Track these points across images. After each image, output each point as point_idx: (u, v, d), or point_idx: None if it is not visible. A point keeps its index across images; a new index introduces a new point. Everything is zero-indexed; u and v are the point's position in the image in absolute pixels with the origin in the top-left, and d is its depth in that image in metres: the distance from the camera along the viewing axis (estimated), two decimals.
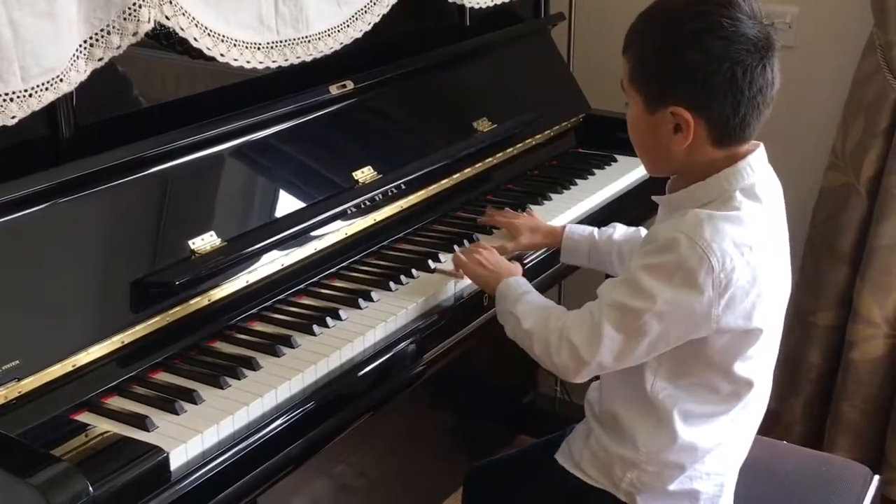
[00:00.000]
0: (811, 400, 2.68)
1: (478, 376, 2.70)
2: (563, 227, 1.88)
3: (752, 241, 1.40)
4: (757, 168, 1.46)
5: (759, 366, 1.50)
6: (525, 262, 1.88)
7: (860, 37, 2.49)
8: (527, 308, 1.58)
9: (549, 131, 2.36)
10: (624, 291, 1.44)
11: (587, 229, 1.86)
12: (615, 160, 2.35)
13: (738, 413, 1.53)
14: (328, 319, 1.62)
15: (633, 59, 1.47)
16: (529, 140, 2.28)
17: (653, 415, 1.52)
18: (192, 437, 1.34)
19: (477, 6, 2.23)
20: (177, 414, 1.39)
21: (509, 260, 1.79)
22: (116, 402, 1.43)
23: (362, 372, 1.56)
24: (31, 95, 1.38)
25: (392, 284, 1.74)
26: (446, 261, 1.81)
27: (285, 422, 1.43)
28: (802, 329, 2.66)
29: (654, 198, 1.59)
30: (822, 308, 2.60)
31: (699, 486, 1.56)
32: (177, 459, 1.31)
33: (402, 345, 1.63)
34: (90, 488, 1.17)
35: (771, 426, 2.76)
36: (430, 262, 1.82)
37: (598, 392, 1.64)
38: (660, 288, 1.39)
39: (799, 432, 2.71)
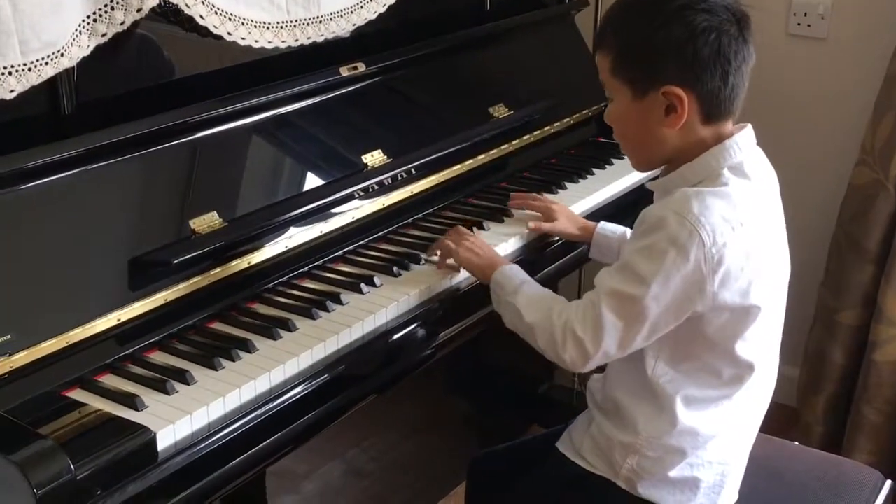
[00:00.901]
0: (832, 400, 2.63)
1: (493, 364, 2.68)
2: (597, 223, 1.87)
3: (742, 217, 1.39)
4: (744, 147, 1.46)
5: (760, 348, 1.49)
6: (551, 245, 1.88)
7: (894, 32, 2.42)
8: (527, 300, 1.55)
9: (568, 119, 2.32)
10: (620, 278, 1.43)
11: (619, 228, 1.85)
12: None
13: (740, 399, 1.52)
14: (329, 304, 1.60)
15: (614, 50, 1.46)
16: (548, 128, 2.25)
17: (654, 400, 1.51)
18: (181, 417, 1.33)
19: None
20: (168, 394, 1.37)
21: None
22: (109, 381, 1.42)
23: (360, 357, 1.54)
24: (30, 70, 1.38)
25: (396, 270, 1.72)
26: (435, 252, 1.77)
27: (277, 406, 1.42)
28: (825, 327, 2.61)
29: (647, 185, 1.58)
30: (846, 307, 2.55)
31: (700, 473, 1.54)
32: (164, 440, 1.30)
33: (405, 331, 1.61)
34: (72, 466, 1.17)
35: (790, 425, 2.73)
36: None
37: (600, 381, 1.63)
38: (654, 270, 1.38)
39: (819, 433, 2.66)
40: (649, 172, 2.17)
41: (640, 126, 1.48)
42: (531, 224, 1.90)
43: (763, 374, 1.53)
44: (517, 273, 1.63)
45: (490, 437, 2.71)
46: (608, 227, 1.85)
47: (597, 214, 2.02)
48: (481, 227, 1.90)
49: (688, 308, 1.41)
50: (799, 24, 2.64)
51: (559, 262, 1.91)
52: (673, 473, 1.53)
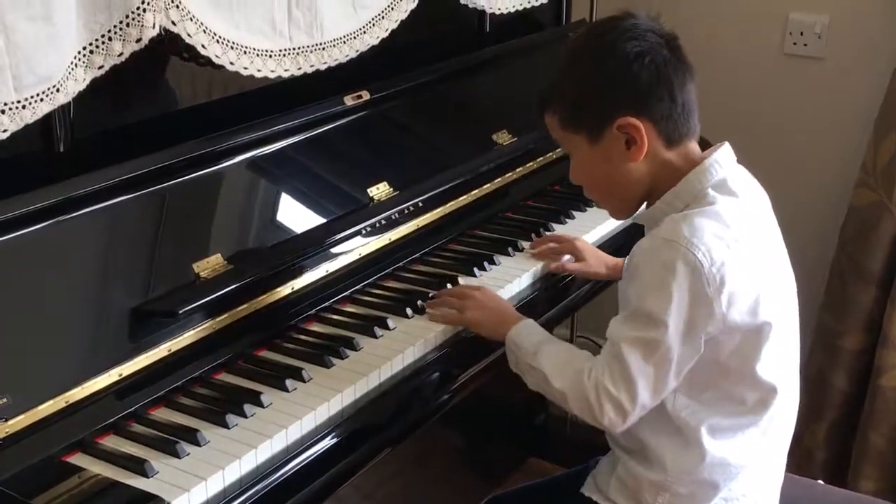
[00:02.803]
0: (835, 426, 2.58)
1: (489, 397, 2.60)
2: (623, 259, 1.80)
3: (736, 234, 1.37)
4: (725, 164, 1.45)
5: (780, 368, 1.46)
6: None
7: (894, 48, 2.39)
8: (551, 364, 1.47)
9: None
10: (634, 325, 1.39)
11: None
12: None
13: (767, 425, 1.48)
14: (343, 350, 1.51)
15: (559, 105, 1.48)
16: (550, 154, 2.17)
17: (679, 434, 1.46)
18: (196, 484, 1.23)
19: (498, 11, 2.14)
20: (179, 457, 1.28)
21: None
22: (112, 443, 1.32)
23: (380, 406, 1.46)
24: (24, 107, 1.27)
25: (409, 311, 1.64)
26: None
27: (298, 464, 1.32)
28: (826, 352, 2.56)
29: (634, 218, 1.56)
30: (849, 331, 2.50)
31: None
32: None
33: (423, 377, 1.53)
34: None
35: (792, 451, 2.67)
36: (448, 285, 1.72)
37: None
38: (663, 305, 1.35)
39: (821, 459, 2.61)
40: None
41: (606, 169, 1.47)
42: (553, 265, 1.84)
43: (786, 398, 1.50)
44: (533, 330, 1.55)
45: (489, 471, 2.64)
46: None
47: (607, 244, 1.97)
48: (492, 262, 1.82)
49: (701, 334, 1.37)
50: (795, 44, 2.59)
51: (576, 293, 1.85)
52: None
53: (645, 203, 1.51)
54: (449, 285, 1.72)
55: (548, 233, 1.95)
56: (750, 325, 1.39)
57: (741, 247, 1.36)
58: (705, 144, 2.05)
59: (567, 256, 1.85)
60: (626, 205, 1.53)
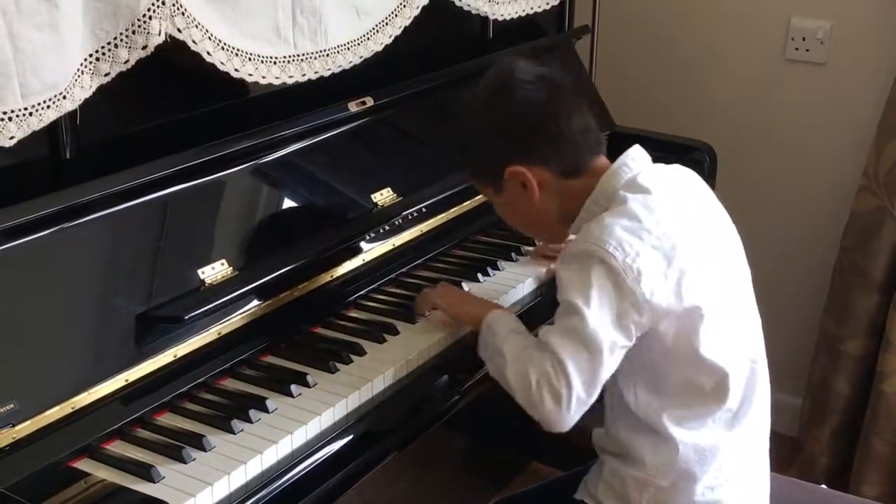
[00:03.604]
0: (837, 431, 2.58)
1: (492, 401, 2.59)
2: None
3: (647, 225, 1.40)
4: (635, 166, 1.49)
5: (729, 352, 1.47)
6: None
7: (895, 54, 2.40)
8: (512, 351, 1.47)
9: None
10: (560, 318, 1.42)
11: None
12: None
13: (735, 410, 1.50)
14: (347, 355, 1.52)
15: (463, 164, 1.61)
16: None
17: (650, 430, 1.49)
18: (202, 489, 1.23)
19: (500, 18, 2.14)
20: (185, 462, 1.28)
21: None
22: (118, 448, 1.32)
23: (385, 412, 1.46)
24: (31, 114, 1.28)
25: (413, 316, 1.64)
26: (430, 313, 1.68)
27: (303, 469, 1.33)
28: (829, 356, 2.57)
29: (570, 232, 1.58)
30: (851, 336, 2.50)
31: (723, 495, 1.50)
32: None
33: (429, 382, 1.54)
34: None
35: (794, 456, 2.68)
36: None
37: (602, 431, 1.61)
38: (584, 295, 1.38)
39: (824, 464, 2.61)
40: None
41: (519, 210, 1.56)
42: (552, 266, 1.83)
43: (749, 383, 1.51)
44: (510, 319, 1.55)
45: (490, 475, 2.64)
46: None
47: None
48: (496, 268, 1.83)
49: (629, 323, 1.38)
50: (797, 49, 2.60)
51: None
52: (695, 499, 1.50)
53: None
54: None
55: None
56: (680, 309, 1.40)
57: (653, 236, 1.39)
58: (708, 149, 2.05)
59: None
60: (551, 232, 1.64)
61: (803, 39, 2.58)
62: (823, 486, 1.87)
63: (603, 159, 1.52)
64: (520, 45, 2.26)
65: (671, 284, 1.39)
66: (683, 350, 1.44)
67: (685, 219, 1.47)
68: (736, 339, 1.50)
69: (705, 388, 1.47)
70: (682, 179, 1.55)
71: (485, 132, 1.53)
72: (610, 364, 1.40)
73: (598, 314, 1.37)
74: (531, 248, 1.90)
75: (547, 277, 1.84)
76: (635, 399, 1.48)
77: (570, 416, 1.41)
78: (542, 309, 1.78)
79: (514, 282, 1.79)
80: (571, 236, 1.94)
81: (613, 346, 1.39)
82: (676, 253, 1.40)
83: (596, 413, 1.47)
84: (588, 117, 1.52)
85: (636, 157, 1.50)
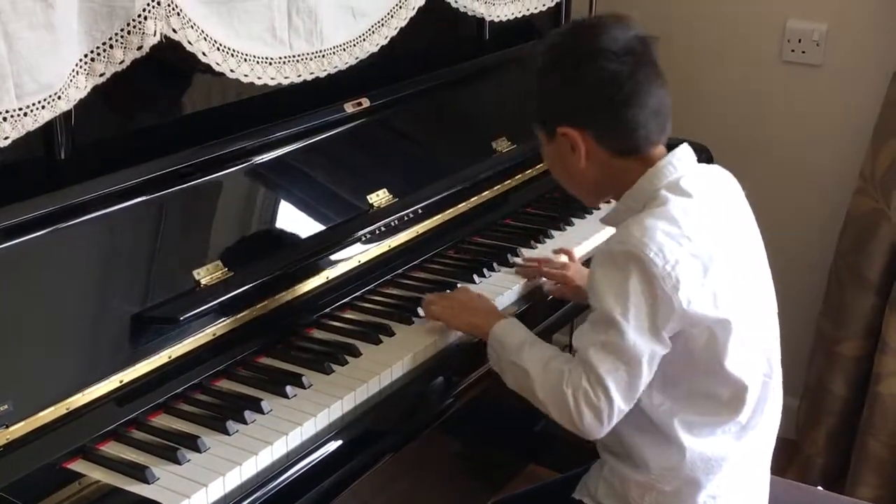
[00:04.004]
0: (834, 432, 2.58)
1: (488, 403, 2.59)
2: None
3: (687, 231, 1.38)
4: (681, 165, 1.46)
5: (750, 365, 1.46)
6: None
7: (892, 56, 2.40)
8: (534, 360, 1.47)
9: None
10: (597, 330, 1.40)
11: None
12: None
13: (746, 423, 1.49)
14: (342, 356, 1.51)
15: (535, 99, 1.55)
16: None
17: (658, 432, 1.48)
18: (196, 490, 1.23)
19: (497, 19, 2.14)
20: (179, 463, 1.28)
21: None
22: (113, 449, 1.32)
23: (381, 413, 1.46)
24: (26, 114, 1.28)
25: (411, 317, 1.64)
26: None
27: (298, 470, 1.33)
28: (826, 358, 2.57)
29: (600, 220, 1.59)
30: (847, 338, 2.51)
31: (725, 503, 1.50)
32: None
33: (424, 383, 1.54)
34: None
35: (791, 458, 2.68)
36: (447, 292, 1.72)
37: None
38: (622, 307, 1.36)
39: (821, 465, 2.61)
40: None
41: (560, 164, 1.52)
42: (547, 287, 1.83)
43: (763, 396, 1.50)
44: (517, 328, 1.54)
45: (488, 477, 2.64)
46: None
47: None
48: (492, 269, 1.82)
49: (666, 329, 1.38)
50: (793, 51, 2.60)
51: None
52: None
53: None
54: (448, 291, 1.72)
55: (542, 255, 1.92)
56: (713, 319, 1.39)
57: (693, 244, 1.37)
58: (704, 151, 2.05)
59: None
60: (587, 196, 1.60)
61: (799, 41, 2.59)
62: (820, 487, 1.87)
63: (660, 149, 1.48)
64: (516, 47, 2.26)
65: (707, 294, 1.38)
66: (708, 360, 1.43)
67: (723, 228, 1.46)
68: (758, 353, 1.50)
69: (721, 399, 1.46)
70: (721, 184, 1.53)
71: (552, 84, 1.49)
72: (648, 374, 1.39)
73: (636, 326, 1.36)
74: (527, 251, 1.90)
75: (526, 290, 1.82)
76: (649, 400, 1.46)
77: (611, 426, 1.42)
78: (537, 311, 1.78)
79: (511, 283, 1.79)
80: (595, 238, 1.99)
81: (652, 357, 1.38)
82: (713, 263, 1.39)
83: None
84: (663, 98, 1.46)
85: (682, 158, 1.47)
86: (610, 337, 1.37)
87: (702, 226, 1.41)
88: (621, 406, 1.40)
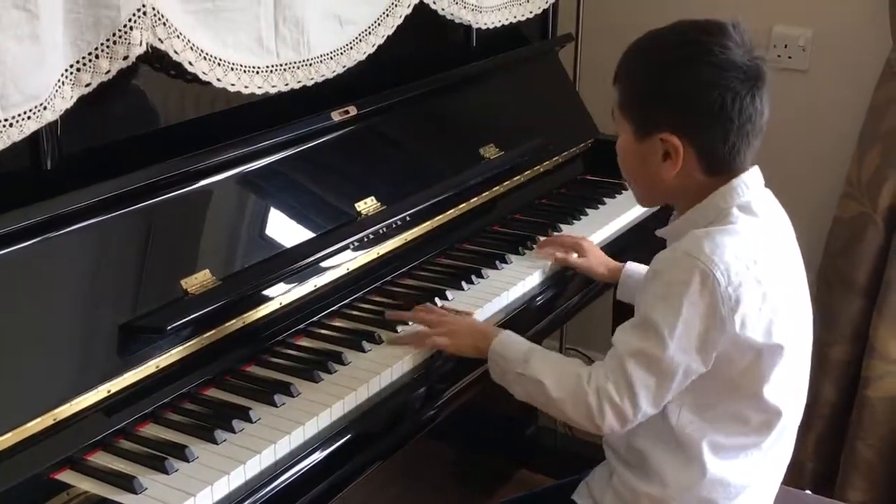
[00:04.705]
0: (824, 437, 2.59)
1: (478, 409, 2.60)
2: (624, 264, 1.85)
3: (755, 254, 1.37)
4: (752, 186, 1.44)
5: (787, 391, 1.46)
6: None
7: (877, 61, 2.41)
8: (542, 368, 1.47)
9: (557, 158, 2.26)
10: (640, 336, 1.39)
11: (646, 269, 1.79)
12: (626, 188, 2.25)
13: (768, 447, 1.49)
14: (331, 364, 1.51)
15: (624, 87, 1.47)
16: (537, 167, 2.19)
17: (680, 450, 1.47)
18: (184, 500, 1.23)
19: (484, 26, 2.14)
20: (167, 473, 1.28)
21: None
22: (101, 459, 1.31)
23: (369, 421, 1.46)
24: (11, 125, 1.27)
25: (397, 325, 1.64)
26: (404, 329, 1.64)
27: (287, 479, 1.32)
28: (814, 363, 2.55)
29: (657, 232, 1.56)
30: (836, 342, 2.51)
31: None
32: None
33: (412, 390, 1.53)
34: None
35: None
36: (436, 299, 1.73)
37: (621, 435, 1.56)
38: (672, 321, 1.35)
39: (810, 469, 2.61)
40: (643, 211, 2.16)
41: (640, 165, 1.47)
42: (559, 254, 1.87)
43: (790, 421, 1.50)
44: (516, 340, 1.54)
45: (478, 483, 2.64)
46: (635, 270, 1.82)
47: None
48: (480, 276, 1.83)
49: (713, 350, 1.37)
50: (779, 57, 2.61)
51: (564, 305, 1.86)
52: None
53: (674, 213, 1.52)
54: (437, 299, 1.72)
55: (556, 233, 2.00)
56: (763, 346, 1.38)
57: (759, 268, 1.36)
58: None
59: (574, 255, 1.88)
60: (649, 198, 1.57)
61: (785, 47, 2.60)
62: (809, 492, 1.88)
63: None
64: (503, 54, 2.27)
65: (762, 320, 1.37)
66: (748, 385, 1.42)
67: (782, 253, 1.46)
68: (797, 383, 1.50)
69: (752, 423, 1.45)
70: (778, 209, 1.52)
71: (668, 87, 1.40)
72: (679, 386, 1.39)
73: (679, 342, 1.34)
74: (515, 258, 1.90)
75: (531, 286, 1.84)
76: (677, 416, 1.45)
77: (632, 426, 1.43)
78: (526, 317, 1.78)
79: (499, 290, 1.78)
80: (600, 233, 2.00)
81: (688, 372, 1.37)
82: (772, 289, 1.38)
83: None
84: (764, 126, 1.44)
85: (754, 178, 1.45)
86: (650, 346, 1.36)
87: (768, 250, 1.41)
88: (647, 411, 1.40)
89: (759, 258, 1.37)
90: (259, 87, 1.62)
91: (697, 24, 1.42)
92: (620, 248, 2.04)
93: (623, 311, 1.80)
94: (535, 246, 1.93)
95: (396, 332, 1.63)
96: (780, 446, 1.51)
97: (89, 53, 1.36)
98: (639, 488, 1.50)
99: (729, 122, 1.38)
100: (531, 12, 2.29)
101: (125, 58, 1.38)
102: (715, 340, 1.35)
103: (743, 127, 1.39)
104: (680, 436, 1.45)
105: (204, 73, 1.51)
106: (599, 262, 1.88)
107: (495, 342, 1.54)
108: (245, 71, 1.59)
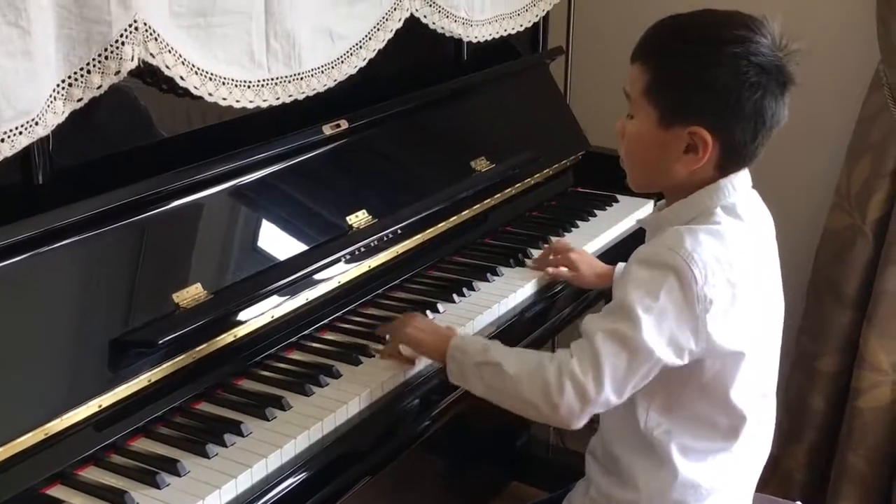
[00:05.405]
0: (814, 447, 2.60)
1: (469, 421, 2.60)
2: (614, 267, 1.84)
3: (732, 257, 1.37)
4: (739, 188, 1.44)
5: (752, 397, 1.46)
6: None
7: (866, 73, 2.42)
8: (504, 353, 1.45)
9: (548, 170, 2.27)
10: (613, 318, 1.37)
11: None
12: (616, 200, 2.27)
13: (740, 452, 1.49)
14: (322, 377, 1.52)
15: (654, 70, 1.40)
16: (528, 180, 2.20)
17: (652, 453, 1.47)
18: None
19: (475, 40, 2.15)
20: (159, 488, 1.28)
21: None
22: (92, 474, 1.31)
23: (360, 434, 1.46)
24: (3, 140, 1.28)
25: (389, 338, 1.63)
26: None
27: (279, 493, 1.32)
28: (805, 374, 2.58)
29: (638, 221, 1.56)
30: (826, 353, 2.53)
31: None
32: None
33: (403, 404, 1.53)
34: None
35: (771, 473, 2.69)
36: (428, 311, 1.73)
37: (597, 440, 1.59)
38: (647, 305, 1.34)
39: (801, 480, 2.62)
40: (633, 223, 2.16)
41: (655, 153, 1.43)
42: (550, 270, 1.87)
43: (759, 427, 1.50)
44: (476, 337, 1.55)
45: (470, 495, 2.63)
46: None
47: None
48: (472, 288, 1.83)
49: (684, 346, 1.36)
50: None
51: (555, 317, 1.87)
52: None
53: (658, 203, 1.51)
54: (429, 312, 1.72)
55: (546, 245, 1.99)
56: (731, 350, 1.39)
57: (734, 272, 1.36)
58: None
59: (563, 269, 1.88)
60: (647, 185, 1.52)
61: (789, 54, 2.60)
62: (799, 503, 1.88)
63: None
64: (494, 67, 2.27)
65: (729, 323, 1.37)
66: (716, 389, 1.42)
67: (759, 258, 1.45)
68: (763, 387, 1.50)
69: (720, 427, 1.45)
70: (764, 213, 1.52)
71: (707, 79, 1.35)
72: (646, 374, 1.37)
73: (653, 326, 1.33)
74: (507, 270, 1.91)
75: (522, 298, 1.85)
76: (645, 418, 1.45)
77: (586, 414, 1.39)
78: (518, 328, 1.79)
79: (490, 302, 1.79)
80: (591, 245, 2.00)
81: (656, 361, 1.35)
82: (742, 293, 1.38)
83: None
84: (772, 134, 1.42)
85: (742, 180, 1.45)
86: (623, 327, 1.35)
87: (746, 255, 1.40)
88: (609, 396, 1.36)
89: (736, 262, 1.37)
90: (250, 102, 1.62)
91: (735, 17, 1.39)
92: (611, 259, 2.03)
93: None
94: (528, 261, 1.94)
95: (388, 343, 1.62)
96: (751, 450, 1.51)
97: (81, 69, 1.36)
98: (614, 494, 1.51)
99: (762, 122, 1.37)
100: (522, 26, 2.30)
101: (117, 73, 1.39)
102: (686, 337, 1.35)
103: (771, 129, 1.40)
104: (650, 438, 1.46)
105: (195, 87, 1.52)
106: (590, 272, 1.88)
107: (455, 339, 1.51)
108: (236, 85, 1.59)
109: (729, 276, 1.36)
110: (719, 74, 1.35)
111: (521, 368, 1.41)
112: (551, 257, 1.91)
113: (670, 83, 1.39)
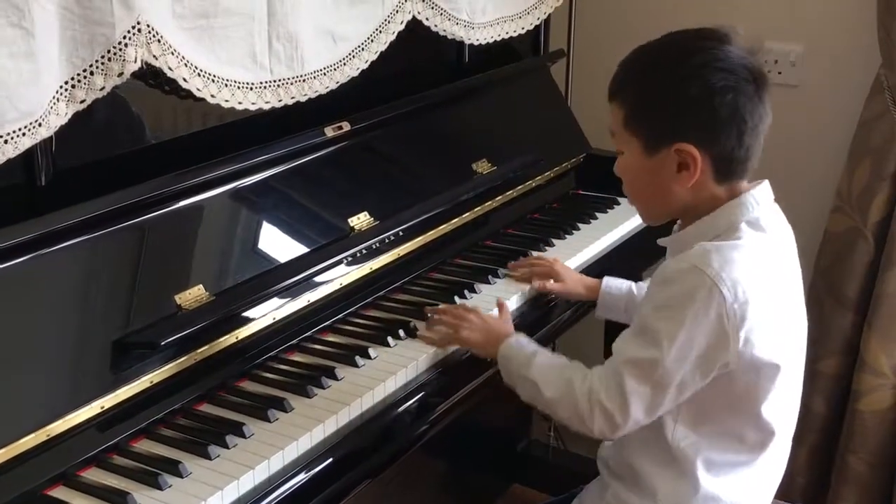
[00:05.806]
0: (815, 450, 2.59)
1: (470, 423, 2.60)
2: (601, 280, 1.84)
3: (761, 272, 1.37)
4: (762, 202, 1.43)
5: (784, 411, 1.46)
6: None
7: (867, 76, 2.42)
8: (543, 372, 1.49)
9: (549, 173, 2.27)
10: (638, 343, 1.39)
11: (625, 284, 1.81)
12: (618, 203, 2.28)
13: (761, 465, 1.48)
14: (324, 379, 1.52)
15: (628, 102, 1.43)
16: (530, 182, 2.20)
17: (674, 465, 1.46)
18: None
19: (476, 42, 2.15)
20: (161, 489, 1.28)
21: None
22: (94, 475, 1.32)
23: (362, 436, 1.46)
24: (6, 142, 1.28)
25: (390, 340, 1.64)
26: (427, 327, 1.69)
27: (280, 494, 1.32)
28: (805, 376, 2.56)
29: (660, 241, 1.54)
30: (827, 355, 2.52)
31: None
32: None
33: (405, 406, 1.53)
34: None
35: None
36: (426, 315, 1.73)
37: (612, 448, 1.58)
38: (672, 330, 1.34)
39: (802, 483, 2.62)
40: (634, 225, 2.17)
41: (651, 181, 1.44)
42: (537, 283, 1.86)
43: (783, 440, 1.50)
44: (524, 343, 1.56)
45: (471, 498, 2.63)
46: (613, 285, 1.82)
47: (586, 272, 1.97)
48: (473, 290, 1.83)
49: (713, 366, 1.36)
50: (770, 72, 2.60)
51: (556, 320, 1.88)
52: None
53: (677, 224, 1.51)
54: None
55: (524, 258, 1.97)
56: (763, 364, 1.38)
57: (765, 286, 1.36)
58: None
59: (551, 281, 1.87)
60: (658, 216, 1.52)
61: (776, 62, 2.61)
62: None
63: (744, 183, 1.45)
64: (495, 70, 2.28)
65: (765, 339, 1.36)
66: (747, 403, 1.42)
67: (785, 271, 1.46)
68: (791, 402, 1.50)
69: (747, 441, 1.45)
70: (786, 225, 1.51)
71: (677, 97, 1.38)
72: (674, 398, 1.38)
73: (678, 354, 1.34)
74: (507, 271, 1.91)
75: (523, 300, 1.85)
76: (673, 430, 1.44)
77: (621, 434, 1.42)
78: (519, 331, 1.78)
79: (492, 305, 1.79)
80: (575, 259, 1.98)
81: (684, 385, 1.36)
82: (775, 307, 1.38)
83: None
84: (762, 133, 1.43)
85: (764, 193, 1.44)
86: (647, 354, 1.36)
87: (773, 268, 1.40)
88: (639, 419, 1.39)
89: (765, 276, 1.37)
90: (252, 103, 1.62)
91: (696, 32, 1.42)
92: (612, 262, 2.05)
93: (614, 326, 1.81)
94: (502, 270, 1.92)
95: (389, 345, 1.63)
96: (773, 463, 1.51)
97: (84, 70, 1.37)
98: (631, 503, 1.50)
99: (743, 123, 1.37)
100: (523, 28, 2.30)
101: (120, 74, 1.39)
102: (716, 357, 1.35)
103: (756, 128, 1.39)
104: (674, 450, 1.45)
105: (198, 89, 1.52)
106: (577, 284, 1.87)
107: (503, 345, 1.56)
108: (239, 87, 1.59)
109: (761, 292, 1.35)
110: (689, 87, 1.36)
111: (556, 392, 1.45)
112: (534, 269, 1.89)
113: (646, 109, 1.41)
